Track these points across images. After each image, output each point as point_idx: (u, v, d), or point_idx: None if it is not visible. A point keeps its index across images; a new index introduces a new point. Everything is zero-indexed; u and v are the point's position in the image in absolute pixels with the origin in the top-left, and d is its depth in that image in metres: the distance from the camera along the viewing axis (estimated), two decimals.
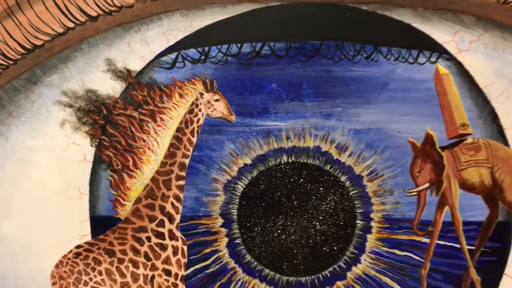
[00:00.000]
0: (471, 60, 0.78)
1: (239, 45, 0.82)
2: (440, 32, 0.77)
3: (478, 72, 0.78)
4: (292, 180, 0.83)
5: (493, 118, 0.80)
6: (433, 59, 0.78)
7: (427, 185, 0.80)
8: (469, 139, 0.80)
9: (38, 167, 0.86)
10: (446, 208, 0.82)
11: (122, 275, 0.83)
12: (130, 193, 0.84)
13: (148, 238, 0.83)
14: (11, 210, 0.86)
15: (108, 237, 0.84)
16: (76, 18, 0.78)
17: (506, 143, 0.80)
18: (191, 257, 0.84)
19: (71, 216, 0.84)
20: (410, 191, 0.82)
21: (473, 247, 0.80)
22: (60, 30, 0.82)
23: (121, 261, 0.83)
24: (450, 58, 0.78)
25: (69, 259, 0.83)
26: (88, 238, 0.86)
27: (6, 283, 0.87)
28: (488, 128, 0.78)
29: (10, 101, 0.85)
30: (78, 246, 0.83)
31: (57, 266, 0.83)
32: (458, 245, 0.81)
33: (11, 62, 0.85)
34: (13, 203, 0.85)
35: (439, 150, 0.79)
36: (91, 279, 0.83)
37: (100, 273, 0.83)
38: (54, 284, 0.84)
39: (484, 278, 0.81)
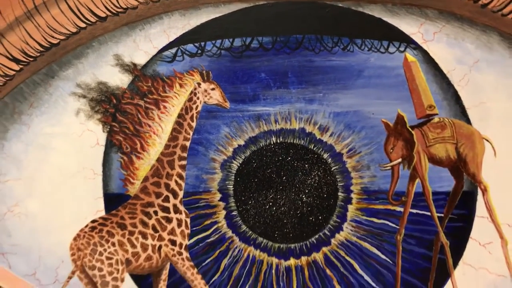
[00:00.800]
0: (435, 49, 0.82)
1: (231, 40, 0.85)
2: (407, 24, 0.82)
3: (442, 59, 0.82)
4: (280, 158, 0.87)
5: (456, 99, 0.83)
6: (402, 49, 0.83)
7: (399, 160, 0.85)
8: (436, 119, 0.85)
9: (57, 152, 0.91)
10: (417, 180, 0.86)
11: (133, 245, 0.86)
12: (138, 172, 0.91)
13: (155, 212, 0.86)
14: (34, 191, 0.92)
15: (120, 212, 0.87)
16: (87, 19, 0.84)
17: (468, 121, 0.84)
18: (194, 228, 0.91)
19: (86, 195, 0.91)
20: (385, 165, 0.85)
21: (442, 215, 0.84)
22: (74, 30, 0.85)
23: (131, 233, 0.86)
24: (417, 47, 0.83)
25: (85, 232, 0.86)
26: (102, 213, 0.91)
27: (31, 254, 0.92)
28: (452, 109, 0.83)
29: (31, 93, 0.89)
30: (93, 221, 0.89)
31: (75, 239, 0.86)
32: (428, 213, 0.90)
33: (31, 59, 0.87)
34: (36, 184, 0.94)
35: (410, 129, 0.85)
36: (105, 250, 0.86)
37: (113, 244, 0.86)
38: (72, 255, 0.86)
39: (452, 242, 0.87)
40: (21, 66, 0.87)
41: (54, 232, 0.91)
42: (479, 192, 0.83)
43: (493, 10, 0.76)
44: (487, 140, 0.81)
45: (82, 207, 0.91)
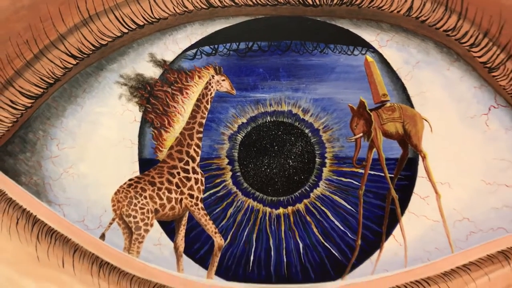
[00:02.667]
0: (388, 52, 0.91)
1: (237, 43, 0.94)
2: (367, 34, 0.91)
3: (392, 60, 0.91)
4: (273, 133, 0.95)
5: (403, 90, 0.93)
6: (363, 52, 0.92)
7: (361, 134, 0.94)
8: (388, 104, 0.93)
9: (103, 126, 0.97)
10: (374, 150, 0.95)
11: (160, 198, 0.97)
12: (165, 143, 0.98)
13: (178, 173, 0.97)
14: (85, 156, 0.98)
15: (151, 173, 0.97)
16: (129, 26, 0.90)
17: (412, 106, 0.92)
18: (207, 185, 0.98)
19: (125, 159, 0.97)
20: (350, 138, 0.93)
21: (392, 175, 0.95)
22: (118, 34, 0.91)
23: (159, 189, 0.97)
24: (374, 51, 0.91)
25: (123, 188, 0.97)
26: (137, 174, 0.99)
27: (81, 205, 0.98)
28: (400, 97, 0.93)
29: (84, 82, 0.96)
30: (130, 180, 0.97)
31: (115, 193, 0.97)
32: (382, 174, 0.95)
33: (85, 55, 0.91)
34: (86, 151, 0.97)
35: (369, 111, 0.93)
36: (139, 202, 0.96)
37: (145, 197, 0.96)
38: (113, 206, 0.97)
39: (400, 196, 0.94)
40: (77, 61, 0.91)
41: (99, 188, 0.98)
42: (420, 158, 0.93)
43: (429, 25, 0.86)
44: (426, 120, 0.91)
45: (121, 169, 0.97)
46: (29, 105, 0.92)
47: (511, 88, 0.87)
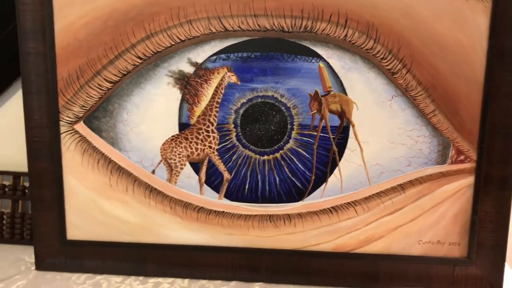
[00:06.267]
0: (332, 61, 1.06)
1: (242, 53, 1.07)
2: (320, 50, 1.06)
3: (335, 66, 1.07)
4: (262, 109, 1.11)
5: (341, 84, 1.08)
6: (318, 60, 1.07)
7: (315, 111, 1.08)
8: (332, 92, 1.07)
9: (157, 102, 1.12)
10: (323, 120, 1.09)
11: (191, 148, 1.12)
12: (195, 113, 1.12)
13: (202, 132, 1.12)
14: (145, 120, 1.13)
15: (185, 132, 1.12)
16: (176, 40, 1.06)
17: (346, 94, 1.08)
18: (220, 140, 1.14)
19: (170, 123, 1.13)
20: (309, 113, 1.09)
21: (334, 136, 1.10)
22: (169, 45, 1.06)
23: (190, 142, 1.12)
24: (324, 60, 1.06)
25: (168, 141, 1.13)
26: (177, 132, 1.13)
27: (140, 151, 1.14)
28: (339, 88, 1.09)
29: (145, 74, 1.10)
30: (172, 136, 1.13)
31: (163, 144, 1.13)
32: (328, 135, 1.11)
33: (147, 58, 1.07)
34: (145, 117, 1.13)
35: (320, 97, 1.07)
36: (177, 150, 1.12)
37: (181, 147, 1.12)
38: (160, 152, 1.13)
39: (338, 149, 1.12)
40: (142, 61, 1.08)
41: (152, 141, 1.15)
42: (350, 126, 1.10)
43: (357, 45, 1.03)
44: (354, 103, 1.08)
45: (167, 129, 1.14)
46: (110, 87, 1.08)
47: (405, 84, 1.03)
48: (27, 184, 1.25)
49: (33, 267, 1.13)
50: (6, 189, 1.29)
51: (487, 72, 1.00)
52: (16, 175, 1.29)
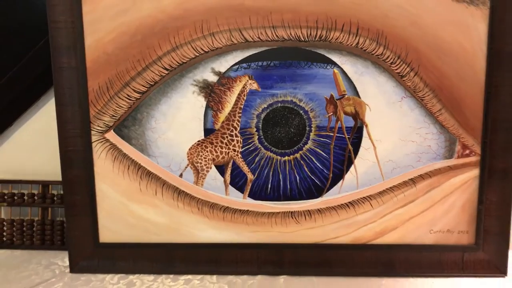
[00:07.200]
0: (346, 67, 1.09)
1: (262, 62, 1.09)
2: (335, 57, 1.08)
3: (348, 71, 1.08)
4: (282, 113, 1.13)
5: (354, 88, 1.10)
6: (332, 67, 1.09)
7: (331, 113, 1.10)
8: (346, 96, 1.10)
9: (183, 110, 1.15)
10: (339, 122, 1.12)
11: (216, 152, 1.15)
12: (219, 119, 1.15)
13: (227, 137, 1.13)
14: (172, 127, 1.17)
15: (211, 137, 1.15)
16: (200, 52, 1.09)
17: (359, 96, 1.10)
18: (243, 144, 1.16)
19: (196, 129, 1.16)
20: (325, 116, 1.11)
21: (349, 136, 1.13)
22: (193, 56, 1.08)
23: (215, 146, 1.14)
24: (339, 66, 1.09)
25: (194, 146, 1.15)
26: (202, 137, 1.16)
27: (168, 157, 1.16)
28: (352, 92, 1.11)
29: (172, 84, 1.13)
30: (198, 141, 1.15)
31: (189, 148, 1.16)
32: (343, 136, 1.13)
33: (173, 68, 1.09)
34: (172, 124, 1.17)
35: (335, 100, 1.09)
36: (203, 154, 1.14)
37: (207, 151, 1.15)
38: (187, 156, 1.16)
39: (353, 148, 1.14)
40: (168, 72, 1.11)
41: (180, 146, 1.17)
42: (364, 126, 1.11)
43: (368, 52, 1.05)
44: (367, 105, 1.10)
45: (193, 134, 1.16)
46: (138, 97, 1.11)
47: (413, 86, 1.05)
48: (55, 192, 1.30)
49: (67, 270, 1.14)
50: (36, 197, 1.31)
51: (487, 73, 1.04)
52: (45, 184, 1.32)
